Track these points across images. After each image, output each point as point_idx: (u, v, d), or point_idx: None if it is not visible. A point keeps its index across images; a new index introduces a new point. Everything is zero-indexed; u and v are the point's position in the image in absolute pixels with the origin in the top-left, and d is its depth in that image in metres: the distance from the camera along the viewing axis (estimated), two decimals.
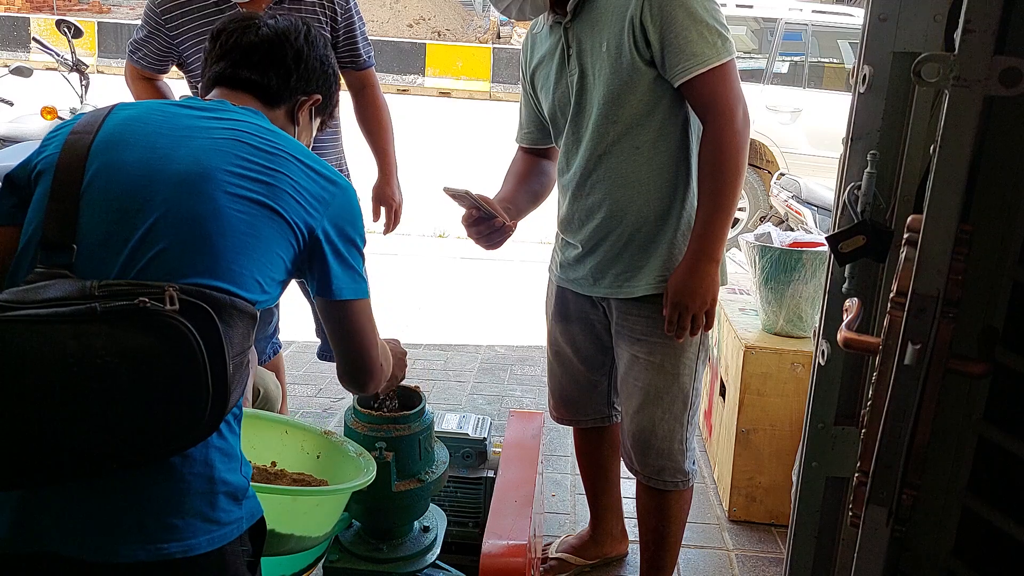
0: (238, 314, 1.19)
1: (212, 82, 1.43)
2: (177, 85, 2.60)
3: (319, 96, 1.49)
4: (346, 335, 1.39)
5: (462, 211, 1.98)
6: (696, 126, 1.90)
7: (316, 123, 1.55)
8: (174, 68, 2.47)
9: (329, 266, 1.31)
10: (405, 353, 1.76)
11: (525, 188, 2.16)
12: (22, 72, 4.95)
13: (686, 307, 1.86)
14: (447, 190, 1.89)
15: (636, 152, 1.89)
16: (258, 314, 1.25)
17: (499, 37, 18.08)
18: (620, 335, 2.04)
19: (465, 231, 2.00)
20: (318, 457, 1.73)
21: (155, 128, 1.28)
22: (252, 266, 1.23)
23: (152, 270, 1.18)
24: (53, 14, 16.55)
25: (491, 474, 2.18)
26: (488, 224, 1.95)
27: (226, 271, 1.20)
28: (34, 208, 1.23)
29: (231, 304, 1.17)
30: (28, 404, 1.07)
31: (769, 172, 6.59)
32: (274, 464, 1.68)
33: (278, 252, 1.26)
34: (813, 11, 7.03)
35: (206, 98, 1.41)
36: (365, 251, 1.40)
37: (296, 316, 2.78)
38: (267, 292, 1.26)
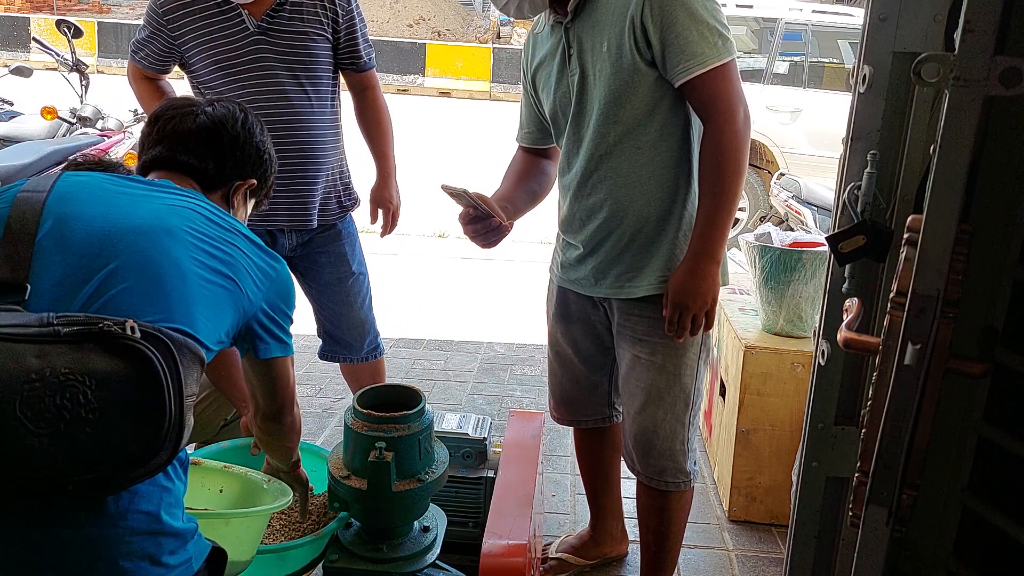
0: (191, 356, 1.22)
1: (149, 165, 1.49)
2: (179, 85, 2.60)
3: (254, 180, 1.58)
4: (271, 384, 1.53)
5: (460, 209, 1.98)
6: (697, 126, 1.89)
7: (251, 204, 1.64)
8: (176, 68, 2.47)
9: (260, 336, 1.44)
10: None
11: (524, 187, 2.16)
12: (22, 72, 4.96)
13: (686, 307, 1.85)
14: (445, 188, 1.89)
15: (637, 152, 1.89)
16: (205, 364, 1.28)
17: (499, 37, 18.08)
18: (622, 335, 2.04)
19: (462, 229, 2.00)
20: (220, 491, 1.75)
21: (110, 191, 1.33)
22: (205, 318, 1.28)
23: (111, 308, 1.19)
24: (53, 14, 16.56)
25: (491, 474, 2.18)
26: (485, 223, 1.95)
27: (184, 314, 1.24)
28: None
29: (185, 345, 1.21)
30: None
31: (769, 172, 6.59)
32: None
33: (229, 316, 1.34)
34: (813, 11, 7.03)
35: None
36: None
37: (296, 316, 2.77)
38: (212, 349, 1.31)
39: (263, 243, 1.45)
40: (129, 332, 1.12)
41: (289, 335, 1.51)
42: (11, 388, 1.06)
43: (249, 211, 1.64)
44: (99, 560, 1.17)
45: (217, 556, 1.34)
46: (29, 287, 1.19)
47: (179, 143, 1.47)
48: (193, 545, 1.28)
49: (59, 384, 1.07)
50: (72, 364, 1.09)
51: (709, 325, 1.91)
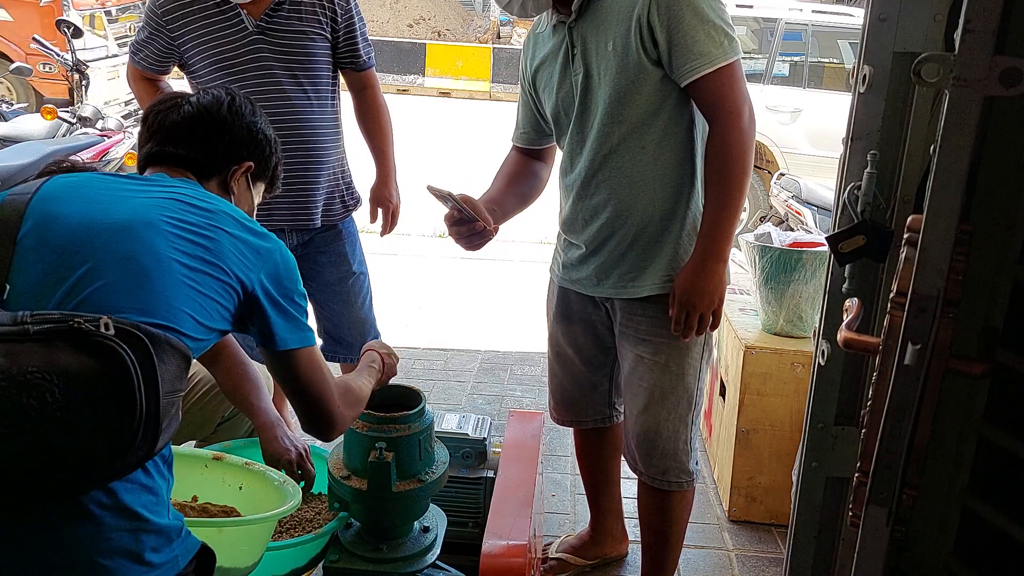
0: (171, 350, 1.21)
1: (144, 162, 1.50)
2: (178, 85, 2.60)
3: (250, 163, 1.55)
4: (298, 385, 1.42)
5: (447, 209, 1.98)
6: (701, 126, 1.89)
7: (259, 188, 1.61)
8: (176, 68, 2.47)
9: (270, 318, 1.36)
10: (389, 353, 1.83)
11: (514, 190, 2.15)
12: (22, 72, 4.96)
13: (694, 306, 1.86)
14: (431, 189, 1.89)
15: (641, 152, 1.89)
16: (191, 357, 1.27)
17: (499, 37, 18.06)
18: (624, 335, 2.04)
19: (447, 230, 1.99)
20: (240, 488, 1.74)
21: (95, 189, 1.33)
22: (190, 308, 1.26)
23: (87, 306, 1.19)
24: None
25: (491, 474, 2.17)
26: (469, 226, 1.94)
27: (164, 308, 1.23)
28: None
29: (165, 340, 1.20)
30: None
31: (769, 172, 6.59)
32: (195, 498, 1.68)
33: (218, 301, 1.30)
34: (813, 11, 7.03)
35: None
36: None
37: None
38: (201, 339, 1.29)
39: (256, 224, 1.41)
40: (103, 329, 1.12)
41: (303, 323, 1.40)
42: None
43: (259, 196, 1.62)
44: (79, 559, 1.16)
45: (206, 554, 1.32)
46: (8, 287, 1.20)
47: (167, 136, 1.48)
48: (180, 543, 1.27)
49: (25, 383, 1.07)
50: (40, 363, 1.09)
51: (715, 324, 1.91)
